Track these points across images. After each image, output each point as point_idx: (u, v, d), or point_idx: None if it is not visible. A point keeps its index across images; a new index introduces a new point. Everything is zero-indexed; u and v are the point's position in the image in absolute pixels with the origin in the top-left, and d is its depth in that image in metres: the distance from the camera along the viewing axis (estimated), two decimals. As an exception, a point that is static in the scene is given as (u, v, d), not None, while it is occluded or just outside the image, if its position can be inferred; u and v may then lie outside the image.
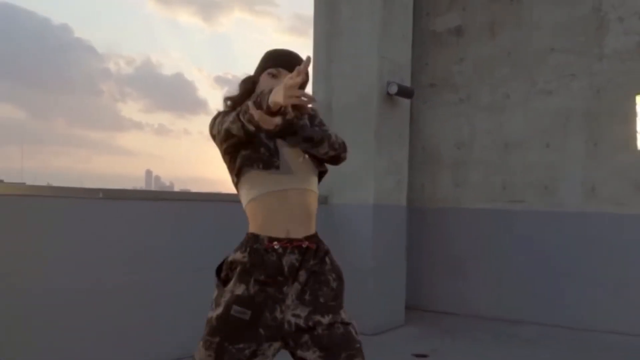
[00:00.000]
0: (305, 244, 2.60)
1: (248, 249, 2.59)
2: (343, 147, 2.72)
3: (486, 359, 6.06)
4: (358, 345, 2.58)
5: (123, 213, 5.25)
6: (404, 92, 6.87)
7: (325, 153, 2.67)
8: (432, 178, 8.50)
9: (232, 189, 2.84)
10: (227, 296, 2.57)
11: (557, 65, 7.51)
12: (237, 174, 2.64)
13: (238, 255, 2.61)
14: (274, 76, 2.69)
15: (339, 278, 2.68)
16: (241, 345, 2.53)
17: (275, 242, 2.57)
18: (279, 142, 2.67)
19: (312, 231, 2.66)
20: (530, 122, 7.74)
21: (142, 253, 5.31)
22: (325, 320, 2.56)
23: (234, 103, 2.73)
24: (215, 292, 2.62)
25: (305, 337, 2.54)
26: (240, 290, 2.55)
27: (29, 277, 4.54)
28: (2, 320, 4.35)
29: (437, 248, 8.41)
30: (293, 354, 2.58)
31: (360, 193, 6.63)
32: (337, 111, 6.98)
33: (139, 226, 5.37)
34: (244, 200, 2.66)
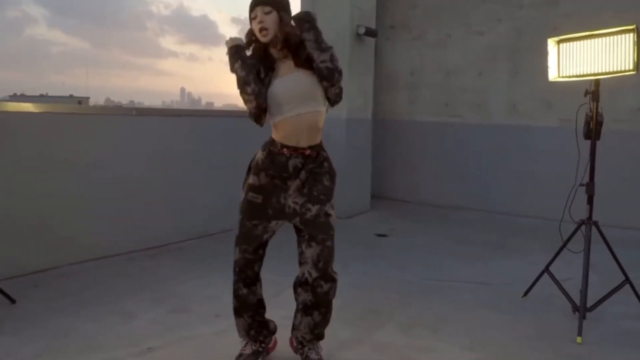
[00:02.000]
0: (307, 152, 2.83)
1: (266, 150, 2.86)
2: (339, 71, 2.77)
3: (433, 236, 6.49)
4: (332, 232, 2.86)
5: (151, 126, 5.58)
6: (370, 32, 7.32)
7: (323, 61, 2.72)
8: (392, 97, 8.90)
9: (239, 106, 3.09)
10: (246, 185, 2.90)
11: (487, 12, 7.94)
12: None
13: (259, 154, 2.90)
14: (253, 19, 2.78)
15: (332, 179, 2.92)
16: (255, 222, 2.86)
17: (285, 149, 2.82)
18: (283, 71, 2.82)
19: (316, 142, 2.87)
20: (466, 56, 8.18)
21: (165, 155, 5.65)
22: (314, 209, 2.83)
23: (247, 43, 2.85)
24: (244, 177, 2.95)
25: (297, 219, 2.85)
26: (254, 180, 2.87)
27: (84, 171, 4.94)
28: (65, 203, 4.81)
29: (395, 150, 8.82)
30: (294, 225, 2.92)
31: (335, 110, 7.08)
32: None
33: (163, 135, 5.66)
34: (270, 121, 2.87)
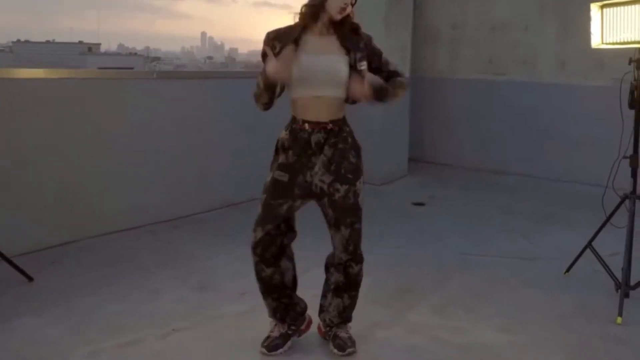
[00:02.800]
0: (329, 126, 2.96)
1: (289, 129, 3.00)
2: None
3: (474, 204, 6.64)
4: (359, 213, 3.04)
5: (173, 91, 5.69)
6: None
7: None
8: (432, 53, 8.94)
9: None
10: (274, 165, 3.03)
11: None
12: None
13: (283, 133, 3.03)
14: None
15: (357, 155, 3.04)
16: (280, 201, 2.98)
17: (307, 124, 2.95)
18: (317, 48, 2.92)
19: (339, 116, 3.00)
20: (512, 9, 8.15)
21: (188, 121, 5.76)
22: (343, 189, 2.97)
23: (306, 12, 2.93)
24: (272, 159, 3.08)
25: (325, 200, 3.01)
26: (280, 159, 3.00)
27: (102, 142, 5.09)
28: (82, 174, 4.97)
29: (435, 110, 8.84)
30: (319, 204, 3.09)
31: None
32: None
33: (186, 100, 5.76)
34: (290, 95, 3.00)
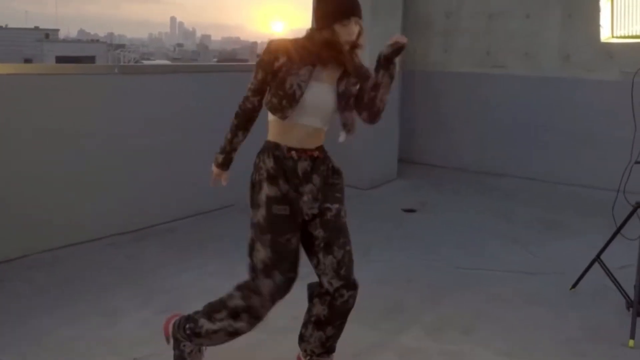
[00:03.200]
0: (315, 154, 3.02)
1: (272, 156, 2.97)
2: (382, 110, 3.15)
3: (471, 210, 6.62)
4: (348, 234, 3.08)
5: (137, 85, 5.59)
6: None
7: (382, 100, 3.10)
8: (423, 44, 8.90)
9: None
10: (263, 198, 2.96)
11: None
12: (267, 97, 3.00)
13: (266, 161, 2.98)
14: (346, 25, 2.95)
15: (340, 177, 3.15)
16: (287, 236, 2.95)
17: (294, 152, 2.96)
18: (323, 77, 2.97)
19: (320, 143, 3.06)
20: None
21: (153, 120, 5.66)
22: (334, 208, 3.05)
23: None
24: (250, 193, 3.01)
25: (317, 221, 3.03)
26: (273, 191, 2.94)
27: (55, 143, 4.96)
28: (33, 179, 4.84)
29: (427, 107, 8.87)
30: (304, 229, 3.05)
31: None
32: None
33: (152, 96, 5.68)
34: (270, 115, 3.01)
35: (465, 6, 8.51)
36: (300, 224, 3.01)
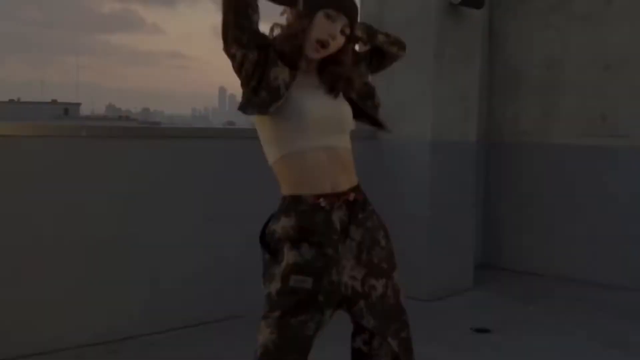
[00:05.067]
0: (352, 197, 2.96)
1: (293, 213, 2.91)
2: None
3: (568, 334, 6.28)
4: (404, 317, 3.04)
5: (111, 153, 5.68)
6: (472, 0, 7.07)
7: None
8: (513, 106, 8.79)
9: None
10: (282, 267, 2.90)
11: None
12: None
13: (284, 222, 2.92)
14: (329, 17, 2.93)
15: (387, 235, 3.08)
16: (304, 317, 2.87)
17: (322, 199, 2.89)
18: (307, 85, 2.98)
19: (356, 182, 3.04)
20: (638, 35, 7.82)
21: (136, 198, 5.73)
22: (379, 284, 2.98)
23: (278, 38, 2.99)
24: (266, 265, 2.98)
25: (361, 304, 2.95)
26: (294, 258, 2.88)
27: (10, 226, 5.01)
28: None
29: (518, 194, 8.71)
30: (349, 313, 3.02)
31: (415, 126, 6.96)
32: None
33: (133, 167, 5.76)
34: (270, 157, 2.99)
35: (572, 53, 8.29)
36: (328, 303, 2.91)
